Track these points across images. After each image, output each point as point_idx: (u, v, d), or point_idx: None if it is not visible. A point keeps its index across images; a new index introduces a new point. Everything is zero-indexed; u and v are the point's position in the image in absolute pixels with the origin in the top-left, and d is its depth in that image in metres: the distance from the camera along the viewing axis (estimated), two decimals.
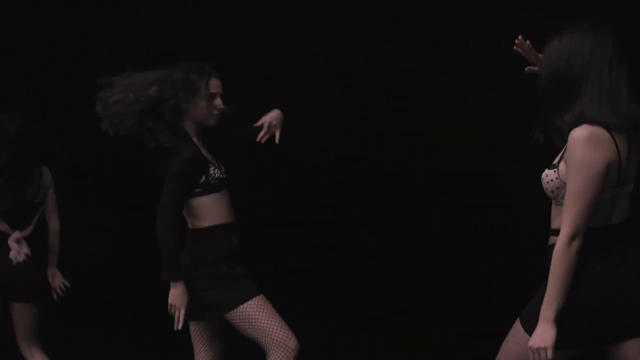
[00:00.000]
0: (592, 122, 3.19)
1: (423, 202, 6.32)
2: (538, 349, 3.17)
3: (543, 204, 6.13)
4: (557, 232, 3.30)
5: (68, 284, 5.63)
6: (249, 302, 4.29)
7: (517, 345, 3.37)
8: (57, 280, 5.62)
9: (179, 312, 4.26)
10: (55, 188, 5.60)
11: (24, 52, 6.67)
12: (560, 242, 3.19)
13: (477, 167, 6.14)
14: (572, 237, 3.17)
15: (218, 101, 4.44)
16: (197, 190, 4.32)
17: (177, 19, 6.37)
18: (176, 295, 4.25)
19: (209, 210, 4.36)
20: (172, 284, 4.27)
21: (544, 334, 3.17)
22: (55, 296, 5.64)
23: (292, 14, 6.28)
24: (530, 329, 3.30)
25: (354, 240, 6.46)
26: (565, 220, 3.20)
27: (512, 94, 5.90)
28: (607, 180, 3.18)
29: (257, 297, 4.31)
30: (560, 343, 3.22)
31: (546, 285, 3.26)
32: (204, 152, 4.42)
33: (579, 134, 3.18)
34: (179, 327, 4.28)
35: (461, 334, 6.10)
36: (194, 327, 4.51)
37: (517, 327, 3.39)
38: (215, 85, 4.44)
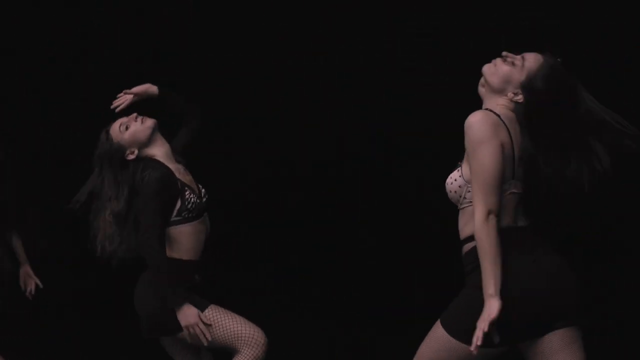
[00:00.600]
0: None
1: (423, 202, 6.31)
2: (487, 320, 3.21)
3: (544, 204, 6.12)
4: (469, 240, 3.34)
5: (40, 284, 5.36)
6: (206, 311, 4.19)
7: (436, 342, 3.42)
8: (29, 282, 5.36)
9: (199, 327, 4.13)
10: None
11: (24, 52, 6.67)
12: (478, 224, 3.25)
13: None
14: (488, 214, 3.23)
15: (131, 119, 4.35)
16: (176, 218, 4.22)
17: (177, 19, 6.37)
18: (187, 314, 4.13)
19: (181, 242, 4.23)
20: (176, 307, 4.13)
21: (492, 307, 3.22)
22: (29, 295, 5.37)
23: (292, 14, 6.27)
24: (450, 329, 3.35)
25: (354, 240, 6.46)
26: (477, 201, 3.26)
27: None
28: (505, 159, 3.28)
29: (211, 305, 4.23)
30: (484, 342, 3.26)
31: (467, 290, 3.41)
32: (180, 176, 4.31)
33: (473, 118, 3.36)
34: (209, 339, 4.15)
35: None
36: (169, 349, 4.43)
37: (438, 327, 3.44)
38: (116, 127, 4.35)
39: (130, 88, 4.55)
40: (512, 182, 3.34)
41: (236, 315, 4.22)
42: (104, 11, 6.55)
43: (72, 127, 6.62)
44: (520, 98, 3.39)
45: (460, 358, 3.36)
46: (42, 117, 6.79)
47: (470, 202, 3.36)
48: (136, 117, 4.33)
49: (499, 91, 3.44)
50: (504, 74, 3.45)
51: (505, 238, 3.30)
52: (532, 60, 3.43)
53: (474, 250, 3.33)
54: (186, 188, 4.24)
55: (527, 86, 3.38)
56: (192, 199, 4.23)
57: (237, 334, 4.18)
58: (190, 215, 4.22)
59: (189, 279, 4.25)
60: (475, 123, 3.34)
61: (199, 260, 4.32)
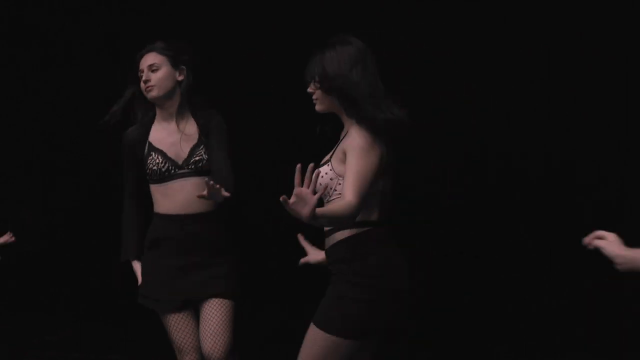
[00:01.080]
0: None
1: (423, 201, 6.32)
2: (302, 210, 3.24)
3: (544, 204, 6.14)
4: (335, 231, 3.49)
5: None
6: (180, 315, 4.30)
7: (313, 344, 3.50)
8: None
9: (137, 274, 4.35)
10: None
11: (24, 52, 6.68)
12: (351, 205, 3.35)
13: (477, 167, 6.15)
14: (358, 207, 3.38)
15: (145, 75, 4.31)
16: (147, 178, 4.34)
17: (177, 19, 6.38)
18: (134, 268, 4.34)
19: (154, 198, 4.34)
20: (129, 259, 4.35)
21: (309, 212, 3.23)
22: None
23: (292, 14, 6.28)
24: (326, 326, 3.46)
25: None
26: (353, 191, 3.39)
27: (512, 94, 5.91)
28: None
29: (184, 314, 4.30)
30: (343, 331, 3.40)
31: (333, 286, 3.51)
32: (161, 138, 4.31)
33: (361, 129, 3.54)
34: (140, 282, 4.31)
35: (461, 334, 6.10)
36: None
37: (312, 330, 3.52)
38: (141, 64, 4.34)
39: (128, 87, 4.52)
40: (380, 182, 3.55)
41: (189, 334, 4.29)
42: (106, 11, 6.56)
43: (74, 127, 6.63)
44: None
45: (340, 353, 3.43)
46: (43, 118, 6.80)
47: (340, 194, 3.49)
48: (146, 81, 4.29)
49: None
50: (321, 98, 3.86)
51: (374, 233, 3.54)
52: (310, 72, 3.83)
53: (342, 242, 3.50)
54: (152, 153, 4.27)
55: (324, 87, 3.78)
56: (150, 166, 4.27)
57: (174, 344, 4.29)
58: (149, 177, 4.29)
59: (166, 231, 4.30)
60: (363, 131, 3.57)
61: (180, 215, 4.31)
